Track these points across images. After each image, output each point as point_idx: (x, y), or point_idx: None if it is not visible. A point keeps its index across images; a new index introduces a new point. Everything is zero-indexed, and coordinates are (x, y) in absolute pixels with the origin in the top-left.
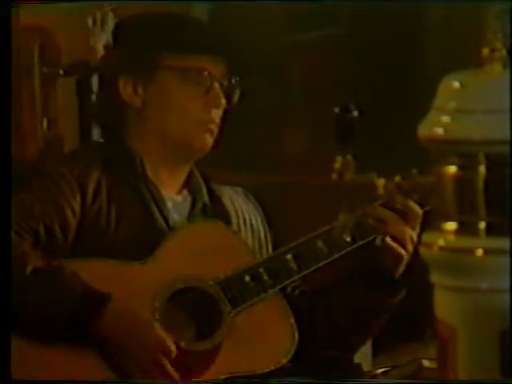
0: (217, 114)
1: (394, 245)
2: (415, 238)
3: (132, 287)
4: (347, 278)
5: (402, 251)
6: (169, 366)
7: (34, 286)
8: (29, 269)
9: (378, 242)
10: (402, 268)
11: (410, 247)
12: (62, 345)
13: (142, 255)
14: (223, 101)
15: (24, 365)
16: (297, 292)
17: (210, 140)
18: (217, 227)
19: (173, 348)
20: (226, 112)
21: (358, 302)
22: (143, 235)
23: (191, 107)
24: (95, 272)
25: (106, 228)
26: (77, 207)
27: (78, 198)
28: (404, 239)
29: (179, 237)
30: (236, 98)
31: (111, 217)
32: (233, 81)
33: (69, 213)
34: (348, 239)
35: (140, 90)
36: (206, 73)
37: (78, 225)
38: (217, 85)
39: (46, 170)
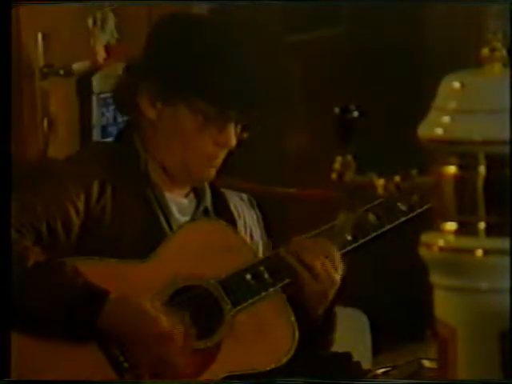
0: (224, 152)
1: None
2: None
3: (133, 285)
4: None
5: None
6: (175, 359)
7: (35, 280)
8: (30, 263)
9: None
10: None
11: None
12: (63, 340)
13: (145, 256)
14: (234, 142)
15: (24, 361)
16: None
17: (211, 173)
18: (218, 226)
19: (179, 339)
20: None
21: None
22: (146, 237)
23: (201, 142)
24: (97, 270)
25: (109, 228)
26: (81, 206)
27: (83, 198)
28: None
29: (181, 235)
30: (245, 138)
31: (115, 217)
32: (247, 126)
33: (72, 212)
34: (349, 237)
35: (158, 105)
36: (225, 117)
37: (82, 224)
38: (232, 126)
39: (50, 169)
